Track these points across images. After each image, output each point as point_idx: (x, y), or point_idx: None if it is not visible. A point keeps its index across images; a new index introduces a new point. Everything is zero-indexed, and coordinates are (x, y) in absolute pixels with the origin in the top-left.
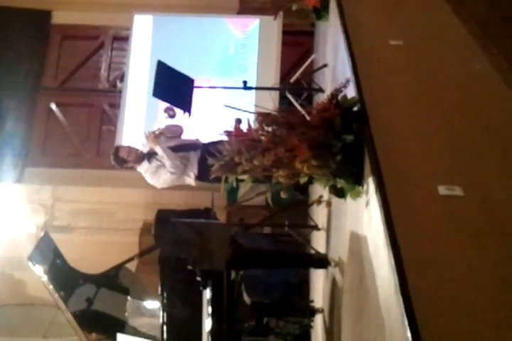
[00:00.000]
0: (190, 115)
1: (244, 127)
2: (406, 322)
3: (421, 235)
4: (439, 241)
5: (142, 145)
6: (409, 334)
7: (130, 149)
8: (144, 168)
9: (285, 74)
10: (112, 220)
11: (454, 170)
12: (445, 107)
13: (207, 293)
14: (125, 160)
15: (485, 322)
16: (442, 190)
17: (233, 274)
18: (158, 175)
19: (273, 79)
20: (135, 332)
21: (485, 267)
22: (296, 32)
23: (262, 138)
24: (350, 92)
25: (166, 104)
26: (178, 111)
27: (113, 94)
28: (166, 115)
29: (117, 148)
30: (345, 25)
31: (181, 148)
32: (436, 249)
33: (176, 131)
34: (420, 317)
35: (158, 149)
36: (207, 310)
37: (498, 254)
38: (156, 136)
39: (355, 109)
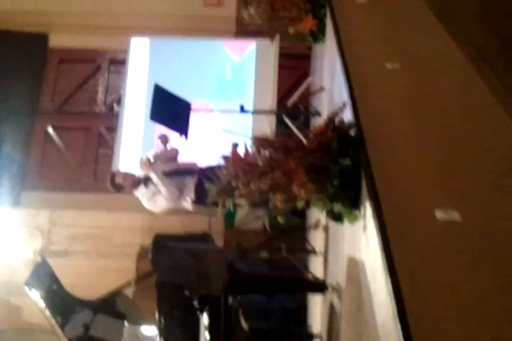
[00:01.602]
0: (187, 138)
1: (241, 151)
2: None
3: (418, 260)
4: (437, 266)
5: (138, 170)
6: None
7: (126, 175)
8: (140, 193)
9: (282, 98)
10: (109, 245)
11: (451, 194)
12: (442, 131)
13: (204, 319)
14: (121, 186)
15: None
16: (439, 214)
17: (231, 299)
18: (155, 201)
19: (270, 102)
20: None
21: (482, 293)
22: (292, 55)
23: (259, 162)
24: (347, 116)
25: (163, 128)
26: (175, 134)
27: (110, 117)
28: (159, 142)
29: (113, 174)
30: (342, 48)
31: (177, 173)
32: (434, 274)
33: (172, 155)
34: None
35: (153, 176)
36: (204, 335)
37: (494, 281)
38: (151, 163)
39: (352, 132)
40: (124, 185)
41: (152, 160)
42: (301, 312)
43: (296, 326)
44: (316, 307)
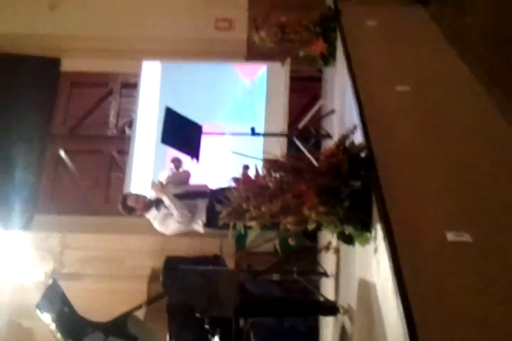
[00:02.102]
0: (198, 161)
1: (251, 174)
2: None
3: (429, 282)
4: (448, 289)
5: (150, 193)
6: None
7: (138, 197)
8: (152, 216)
9: (293, 120)
10: (120, 267)
11: (462, 216)
12: (452, 153)
13: None
14: (133, 208)
15: None
16: (451, 236)
17: (242, 322)
18: (167, 224)
19: (281, 125)
20: None
21: (494, 316)
22: (303, 78)
23: (270, 184)
24: (358, 138)
25: (174, 151)
26: (187, 157)
27: (122, 140)
28: (172, 165)
29: (125, 197)
30: (352, 71)
31: (189, 195)
32: (446, 297)
33: (184, 177)
34: None
35: (165, 199)
36: None
37: (506, 303)
38: (163, 186)
39: (363, 155)
40: (135, 208)
41: (164, 183)
42: (312, 334)
43: None
44: (328, 329)
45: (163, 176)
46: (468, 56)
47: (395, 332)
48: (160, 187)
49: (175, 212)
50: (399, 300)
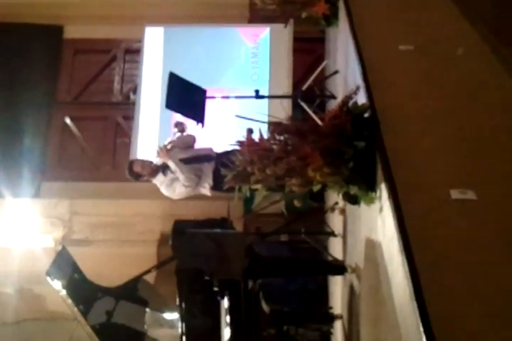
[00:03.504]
0: (203, 126)
1: (256, 137)
2: (421, 328)
3: (434, 240)
4: (453, 245)
5: (156, 158)
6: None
7: (144, 163)
8: (159, 181)
9: (297, 82)
10: (129, 232)
11: (466, 174)
12: (456, 112)
13: (225, 303)
14: (139, 174)
15: (499, 326)
16: (455, 193)
17: (251, 283)
18: (174, 188)
19: (285, 87)
20: None
21: (500, 270)
22: (307, 39)
23: (274, 147)
24: (361, 99)
25: (179, 115)
26: (191, 122)
27: (126, 106)
28: (176, 130)
29: (131, 163)
30: (355, 31)
31: (195, 160)
32: (450, 253)
33: (189, 142)
34: (435, 322)
35: (170, 163)
36: (225, 319)
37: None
38: (169, 150)
39: (366, 115)
40: (142, 173)
41: (169, 148)
42: (321, 293)
43: (318, 307)
44: (337, 287)
45: (168, 141)
46: (472, 15)
47: (401, 290)
48: (165, 151)
49: (181, 176)
50: (404, 258)
